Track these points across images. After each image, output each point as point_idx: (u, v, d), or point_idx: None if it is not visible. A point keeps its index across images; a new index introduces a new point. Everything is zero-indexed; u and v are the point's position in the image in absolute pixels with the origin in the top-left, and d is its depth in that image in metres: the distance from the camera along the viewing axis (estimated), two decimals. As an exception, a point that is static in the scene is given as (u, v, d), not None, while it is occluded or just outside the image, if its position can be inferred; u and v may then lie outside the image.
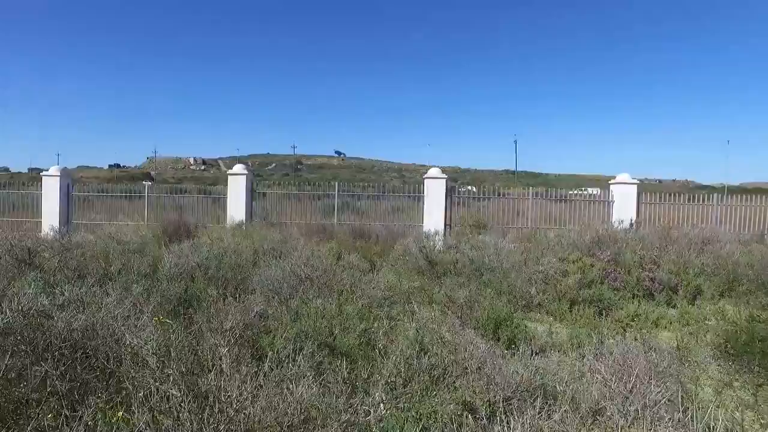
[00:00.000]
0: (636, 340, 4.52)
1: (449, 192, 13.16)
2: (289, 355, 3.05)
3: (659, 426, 2.40)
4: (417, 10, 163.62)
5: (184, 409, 2.20)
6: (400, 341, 3.60)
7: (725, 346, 4.52)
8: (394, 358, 3.25)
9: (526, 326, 4.91)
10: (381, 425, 2.56)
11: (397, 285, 6.03)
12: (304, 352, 3.13)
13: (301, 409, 2.35)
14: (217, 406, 2.26)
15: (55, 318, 3.04)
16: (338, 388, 2.72)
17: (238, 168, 13.51)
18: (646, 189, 14.46)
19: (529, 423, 2.42)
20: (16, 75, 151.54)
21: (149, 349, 2.74)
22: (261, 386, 2.52)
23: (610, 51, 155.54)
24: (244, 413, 2.27)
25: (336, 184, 13.59)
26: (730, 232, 11.25)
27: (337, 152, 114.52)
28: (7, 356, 2.56)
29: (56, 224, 12.13)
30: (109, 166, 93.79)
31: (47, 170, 13.20)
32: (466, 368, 3.21)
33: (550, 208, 13.54)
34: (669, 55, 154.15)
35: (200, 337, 3.21)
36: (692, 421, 2.45)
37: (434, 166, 14.38)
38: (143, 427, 2.15)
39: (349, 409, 2.48)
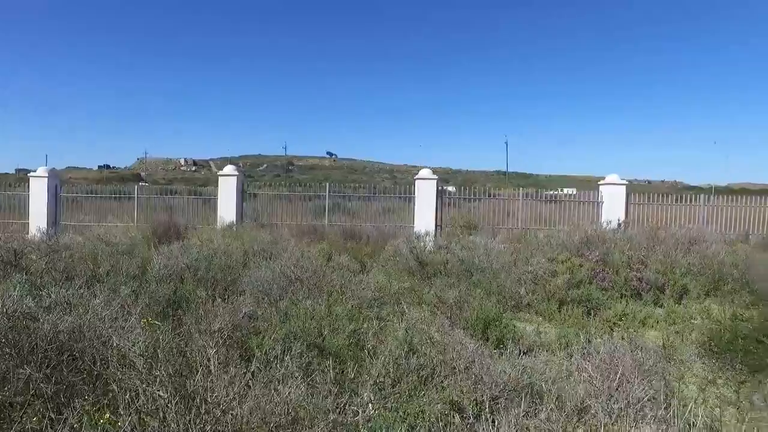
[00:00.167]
0: (623, 339, 4.59)
1: (440, 193, 13.22)
2: (277, 356, 3.06)
3: (642, 423, 2.44)
4: (417, 10, 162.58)
5: (171, 410, 2.20)
6: (389, 342, 3.62)
7: (710, 345, 4.61)
8: (383, 358, 3.27)
9: (515, 326, 4.95)
10: (369, 425, 2.58)
11: (387, 286, 6.04)
12: (292, 353, 3.14)
13: (288, 409, 2.35)
14: (203, 407, 2.26)
15: (41, 320, 3.01)
16: (326, 388, 2.73)
17: (229, 169, 13.46)
18: (635, 190, 14.61)
19: (515, 422, 2.45)
20: (15, 75, 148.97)
21: (136, 350, 2.73)
22: (249, 387, 2.52)
23: (610, 51, 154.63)
24: (231, 414, 2.28)
25: (327, 185, 13.59)
26: (716, 232, 11.40)
27: (328, 153, 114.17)
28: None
29: (44, 225, 11.99)
30: (99, 167, 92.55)
31: (35, 171, 13.06)
32: (455, 368, 3.23)
33: (540, 209, 13.67)
34: (669, 56, 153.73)
35: (189, 338, 3.21)
36: (674, 417, 2.50)
37: (425, 167, 14.43)
38: (129, 428, 2.14)
39: (337, 410, 2.49)
